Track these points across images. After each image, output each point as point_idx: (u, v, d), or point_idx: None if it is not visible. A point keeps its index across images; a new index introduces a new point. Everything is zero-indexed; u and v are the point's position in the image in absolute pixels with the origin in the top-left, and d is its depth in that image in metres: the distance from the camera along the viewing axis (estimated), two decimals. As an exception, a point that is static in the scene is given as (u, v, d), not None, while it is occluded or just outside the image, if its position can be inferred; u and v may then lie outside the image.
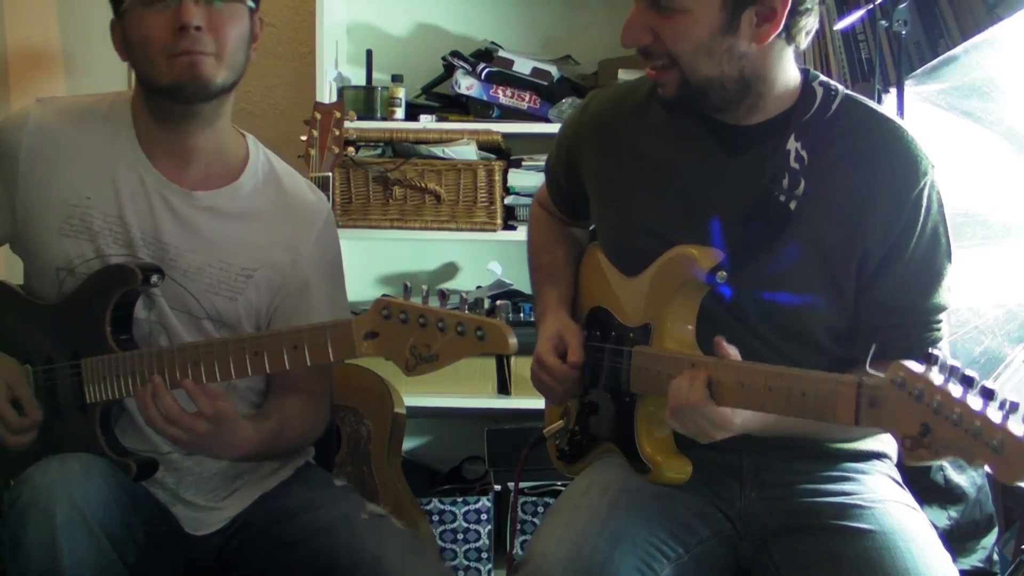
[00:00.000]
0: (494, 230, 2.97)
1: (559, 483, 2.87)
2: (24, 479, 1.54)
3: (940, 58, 2.50)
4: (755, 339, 1.61)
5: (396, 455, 2.72)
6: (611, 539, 1.53)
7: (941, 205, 1.61)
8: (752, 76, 1.58)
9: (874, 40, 2.65)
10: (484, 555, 2.93)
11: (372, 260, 3.31)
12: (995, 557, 2.49)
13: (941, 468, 2.45)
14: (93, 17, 3.13)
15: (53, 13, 3.16)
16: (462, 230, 2.99)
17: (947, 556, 1.56)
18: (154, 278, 1.68)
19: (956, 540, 2.44)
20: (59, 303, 1.74)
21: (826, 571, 1.54)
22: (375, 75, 3.13)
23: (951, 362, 1.24)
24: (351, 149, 2.78)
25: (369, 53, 3.14)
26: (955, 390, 1.22)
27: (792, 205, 1.59)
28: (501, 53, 3.04)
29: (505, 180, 2.98)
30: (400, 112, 3.02)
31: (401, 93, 3.02)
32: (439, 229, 2.99)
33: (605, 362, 1.71)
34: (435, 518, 2.91)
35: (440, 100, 3.14)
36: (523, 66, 3.01)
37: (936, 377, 1.24)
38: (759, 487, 1.67)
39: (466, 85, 3.00)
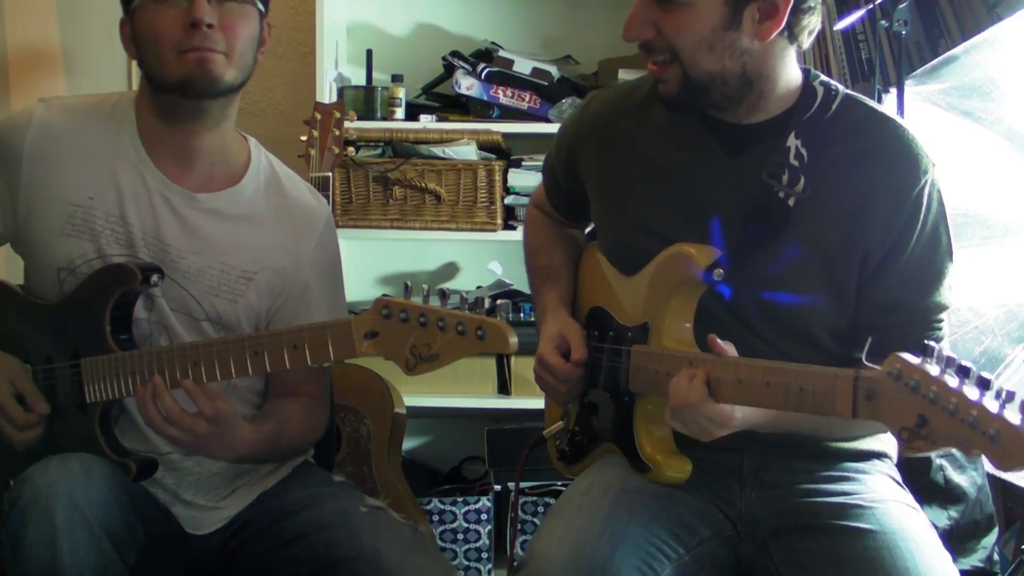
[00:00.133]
0: (494, 230, 2.97)
1: (559, 483, 2.87)
2: (24, 479, 1.54)
3: (940, 58, 2.50)
4: (756, 338, 1.61)
5: (396, 455, 2.72)
6: (612, 539, 1.53)
7: (942, 204, 1.61)
8: (754, 73, 1.58)
9: (874, 40, 2.66)
10: (484, 555, 2.93)
11: (372, 260, 3.31)
12: (995, 557, 2.49)
13: (941, 468, 2.45)
14: (93, 17, 3.14)
15: (53, 13, 3.15)
16: (462, 230, 2.99)
17: (947, 556, 1.56)
18: (154, 278, 1.68)
19: (956, 540, 2.44)
20: (59, 303, 1.74)
21: (826, 571, 1.54)
22: (375, 75, 3.13)
23: (947, 353, 1.25)
24: (351, 149, 2.77)
25: (369, 53, 3.14)
26: (951, 380, 1.22)
27: (791, 202, 1.59)
28: (501, 53, 3.05)
29: (505, 180, 2.98)
30: (400, 112, 3.02)
31: (401, 93, 3.02)
32: (439, 229, 2.99)
33: (604, 362, 1.71)
34: (435, 518, 2.91)
35: (440, 100, 3.14)
36: (523, 66, 3.01)
37: (932, 368, 1.24)
38: (759, 487, 1.67)
39: (466, 85, 3.00)
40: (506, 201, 2.97)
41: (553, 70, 3.02)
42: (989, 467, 2.43)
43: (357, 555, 1.65)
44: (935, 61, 2.51)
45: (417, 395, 2.93)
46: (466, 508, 2.93)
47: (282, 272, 1.80)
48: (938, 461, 2.44)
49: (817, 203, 1.60)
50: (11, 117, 1.80)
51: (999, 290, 2.42)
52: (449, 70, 3.07)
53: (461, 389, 3.02)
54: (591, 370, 1.73)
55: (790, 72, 1.62)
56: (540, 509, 2.91)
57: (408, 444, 3.16)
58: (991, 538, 2.49)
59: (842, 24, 2.66)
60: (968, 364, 1.23)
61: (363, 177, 2.98)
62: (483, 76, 2.99)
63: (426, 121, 3.01)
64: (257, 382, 1.84)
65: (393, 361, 1.52)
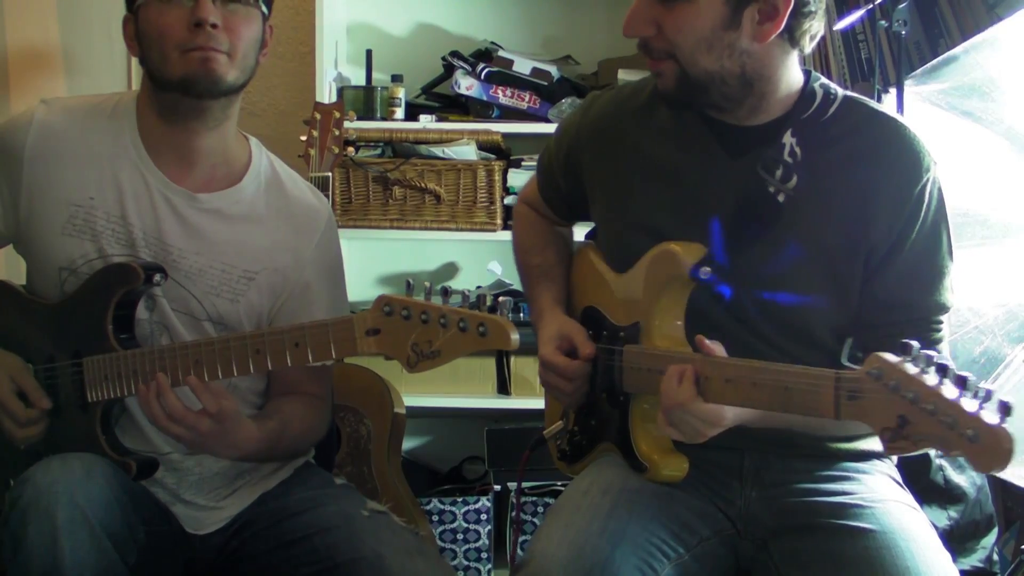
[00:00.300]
0: (494, 230, 2.97)
1: (559, 483, 2.87)
2: (25, 479, 1.53)
3: (940, 58, 2.50)
4: (758, 340, 1.61)
5: (396, 455, 2.72)
6: (612, 539, 1.53)
7: (942, 202, 1.61)
8: (754, 75, 1.58)
9: (874, 40, 2.65)
10: (484, 555, 2.93)
11: (372, 260, 3.31)
12: (995, 557, 2.50)
13: (941, 468, 2.46)
14: (93, 17, 3.14)
15: (53, 13, 3.16)
16: (462, 230, 2.99)
17: (947, 556, 1.56)
18: (156, 277, 1.69)
19: (956, 540, 2.44)
20: (61, 302, 1.74)
21: (826, 570, 1.54)
22: (375, 75, 3.13)
23: (927, 352, 1.25)
24: (351, 149, 2.78)
25: (369, 53, 3.15)
26: (930, 380, 1.22)
27: (781, 198, 1.59)
28: (501, 53, 3.05)
29: (505, 180, 2.98)
30: (400, 112, 3.02)
31: (401, 93, 3.02)
32: (439, 229, 2.99)
33: (599, 362, 1.71)
34: (435, 518, 2.91)
35: (440, 100, 3.14)
36: (523, 66, 3.01)
37: (912, 368, 1.24)
38: (759, 487, 1.67)
39: (466, 85, 3.00)
40: (506, 201, 2.97)
41: (553, 70, 3.02)
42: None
43: (359, 558, 1.65)
44: (935, 61, 2.51)
45: (417, 395, 2.93)
46: (466, 508, 2.93)
47: (283, 271, 1.80)
48: (938, 461, 2.45)
49: (813, 202, 1.60)
50: (13, 118, 1.80)
51: (999, 290, 2.42)
52: (449, 70, 3.08)
53: (461, 389, 3.02)
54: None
55: (791, 74, 1.62)
56: (540, 509, 2.92)
57: (408, 444, 3.16)
58: (991, 538, 2.49)
59: (842, 24, 2.66)
60: (947, 362, 1.23)
61: (363, 177, 2.98)
62: (483, 76, 3.00)
63: (426, 121, 3.01)
64: (258, 382, 1.84)
65: (395, 358, 1.52)
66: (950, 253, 1.61)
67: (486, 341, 1.46)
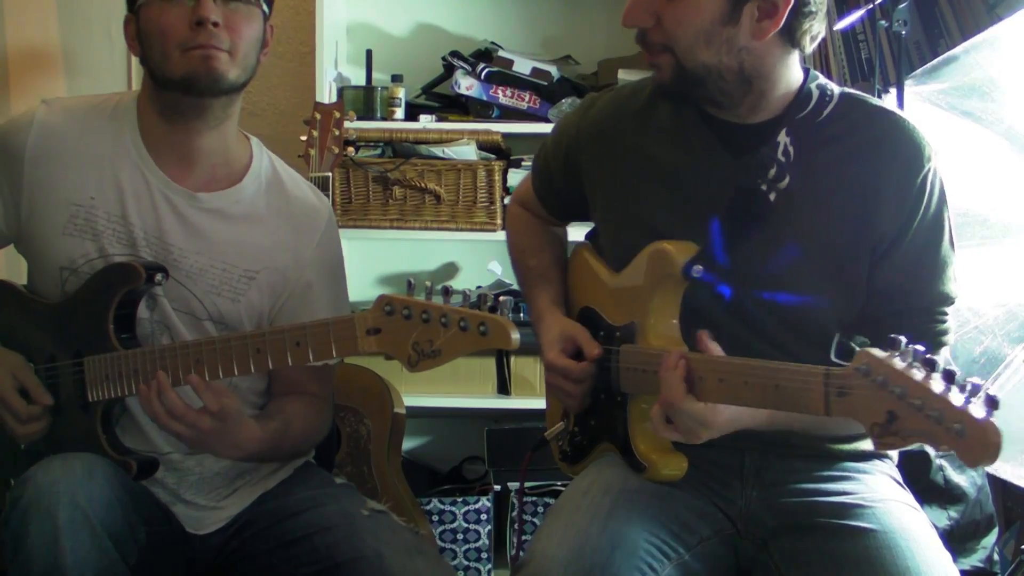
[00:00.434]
0: (494, 230, 2.97)
1: (559, 483, 2.87)
2: (26, 479, 1.54)
3: (940, 58, 2.50)
4: (760, 340, 1.61)
5: (396, 455, 2.72)
6: (612, 539, 1.53)
7: (944, 192, 1.61)
8: (752, 72, 1.58)
9: (874, 40, 2.66)
10: (484, 555, 2.93)
11: (372, 260, 3.31)
12: (995, 557, 2.50)
13: (941, 468, 2.46)
14: (93, 17, 3.14)
15: (53, 13, 3.16)
16: (462, 230, 2.99)
17: (948, 555, 1.56)
18: (158, 277, 1.69)
19: (956, 540, 2.44)
20: (62, 302, 1.74)
21: (827, 570, 1.54)
22: (375, 75, 3.13)
23: (914, 346, 1.24)
24: (351, 149, 2.78)
25: (369, 53, 3.14)
26: (918, 374, 1.21)
27: (772, 196, 1.59)
28: (501, 53, 3.05)
29: (505, 180, 2.98)
30: (400, 112, 3.02)
31: (401, 93, 3.02)
32: (439, 229, 2.99)
33: (597, 362, 1.71)
34: (435, 518, 2.91)
35: (440, 100, 3.14)
36: (523, 66, 3.01)
37: (899, 363, 1.24)
38: (760, 486, 1.67)
39: (466, 85, 3.00)
40: (506, 201, 2.97)
41: (553, 70, 3.02)
42: (989, 467, 2.43)
43: (359, 558, 1.65)
44: (935, 61, 2.51)
45: (417, 395, 2.93)
46: (466, 508, 2.93)
47: (284, 271, 1.80)
48: (938, 462, 2.45)
49: (811, 201, 1.60)
50: (14, 119, 1.81)
51: (999, 290, 2.42)
52: (449, 70, 3.07)
53: (461, 389, 3.02)
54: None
55: (791, 73, 1.63)
56: (540, 509, 2.91)
57: (408, 444, 3.16)
58: (991, 538, 2.49)
59: (842, 24, 2.66)
60: (935, 357, 1.22)
61: (363, 177, 2.98)
62: (483, 76, 3.00)
63: (426, 121, 3.01)
64: (259, 382, 1.84)
65: (396, 357, 1.52)
66: (952, 244, 1.62)
67: (487, 340, 1.46)
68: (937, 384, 1.20)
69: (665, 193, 1.68)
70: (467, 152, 2.94)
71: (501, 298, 1.52)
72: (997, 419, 1.16)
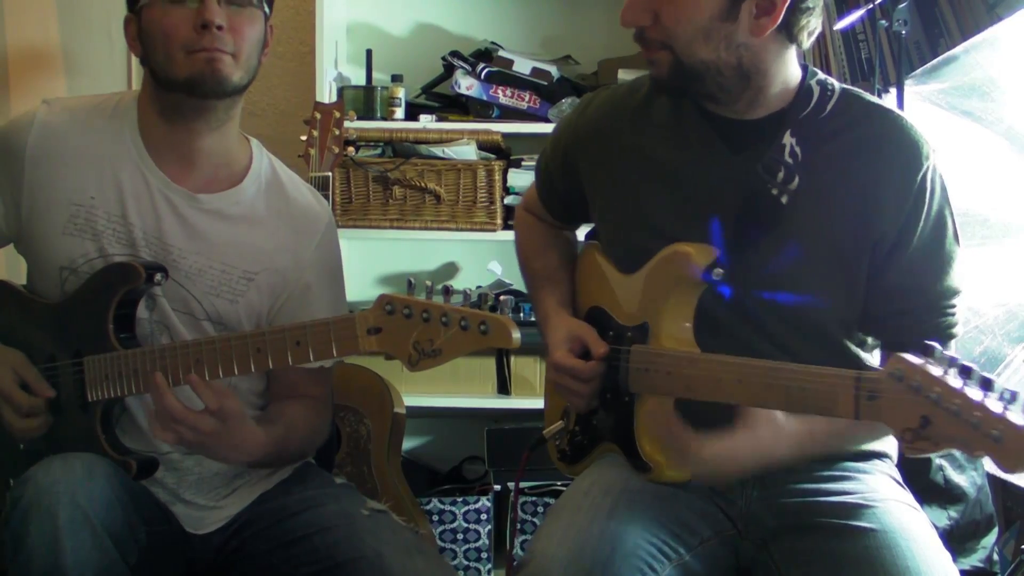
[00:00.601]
0: (494, 230, 2.97)
1: (559, 483, 2.87)
2: (26, 479, 1.54)
3: (940, 58, 2.50)
4: (762, 339, 1.61)
5: (396, 455, 2.72)
6: (612, 539, 1.53)
7: (945, 189, 1.61)
8: (751, 68, 1.58)
9: (874, 40, 2.66)
10: (484, 555, 2.93)
11: (372, 260, 3.31)
12: (995, 557, 2.50)
13: (941, 468, 2.46)
14: (93, 17, 3.14)
15: (53, 13, 3.16)
16: (462, 230, 2.99)
17: (947, 555, 1.56)
18: (157, 276, 1.69)
19: (956, 540, 2.44)
20: (62, 301, 1.74)
21: (827, 570, 1.54)
22: (375, 75, 3.13)
23: (949, 353, 1.25)
24: (351, 149, 2.77)
25: (369, 53, 3.14)
26: (954, 381, 1.22)
27: (784, 199, 1.59)
28: (501, 53, 3.05)
29: (505, 180, 2.98)
30: (400, 112, 3.02)
31: (401, 93, 3.02)
32: (439, 229, 2.99)
33: (605, 361, 1.71)
34: (435, 518, 2.91)
35: (440, 100, 3.14)
36: (523, 66, 3.01)
37: (935, 369, 1.24)
38: (760, 486, 1.67)
39: (466, 85, 3.00)
40: (506, 201, 2.97)
41: (553, 70, 3.02)
42: (989, 467, 2.43)
43: (359, 557, 1.65)
44: (935, 61, 2.52)
45: (417, 395, 2.93)
46: (466, 508, 2.93)
47: (283, 273, 1.80)
48: (938, 461, 2.45)
49: (815, 200, 1.60)
50: (14, 118, 1.81)
51: (999, 290, 2.42)
52: (449, 70, 3.07)
53: (461, 389, 3.02)
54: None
55: (789, 69, 1.63)
56: (540, 509, 2.92)
57: (408, 444, 3.16)
58: (991, 538, 2.49)
59: (842, 24, 2.66)
60: (970, 364, 1.23)
61: (363, 177, 2.98)
62: (483, 76, 3.00)
63: (426, 121, 3.01)
64: (258, 383, 1.84)
65: (396, 357, 1.52)
66: (956, 239, 1.62)
67: (487, 339, 1.46)
68: (974, 391, 1.20)
69: (665, 191, 1.68)
70: (467, 152, 2.95)
71: (501, 297, 1.52)
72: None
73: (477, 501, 2.93)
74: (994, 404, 1.18)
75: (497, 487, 2.99)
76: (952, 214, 1.61)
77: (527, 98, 3.00)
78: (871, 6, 2.53)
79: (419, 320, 1.49)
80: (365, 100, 3.03)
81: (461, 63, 3.03)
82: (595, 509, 1.59)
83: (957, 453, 2.34)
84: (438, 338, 1.48)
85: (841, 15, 2.67)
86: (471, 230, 2.98)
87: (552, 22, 3.25)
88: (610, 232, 1.78)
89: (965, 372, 1.22)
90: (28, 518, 1.49)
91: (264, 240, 1.80)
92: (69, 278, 1.74)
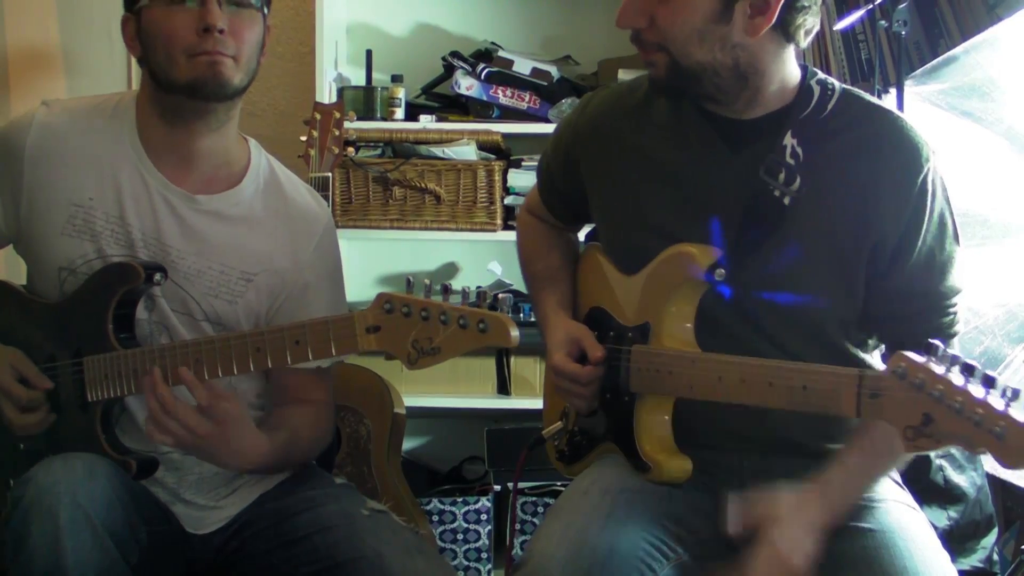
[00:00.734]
0: (494, 230, 2.97)
1: (559, 483, 2.87)
2: (27, 479, 1.54)
3: (940, 58, 2.50)
4: (762, 339, 1.61)
5: (396, 455, 2.72)
6: (611, 539, 1.53)
7: (945, 189, 1.61)
8: (748, 68, 1.58)
9: (874, 40, 2.66)
10: (484, 555, 2.93)
11: (372, 260, 3.31)
12: (995, 557, 2.49)
13: (941, 468, 2.45)
14: (93, 17, 3.14)
15: (53, 13, 3.16)
16: (462, 230, 2.99)
17: (946, 555, 1.56)
18: (157, 276, 1.69)
19: (956, 540, 2.44)
20: (62, 302, 1.74)
21: (826, 569, 1.53)
22: (375, 75, 3.13)
23: (952, 351, 1.26)
24: (351, 149, 2.78)
25: (369, 53, 3.15)
26: (956, 379, 1.23)
27: (787, 201, 1.59)
28: (501, 53, 3.05)
29: (505, 180, 2.98)
30: (400, 112, 3.02)
31: (401, 93, 3.02)
32: (439, 229, 2.99)
33: (605, 362, 1.71)
34: (435, 518, 2.91)
35: (440, 100, 3.14)
36: (523, 66, 3.01)
37: (937, 367, 1.25)
38: (760, 487, 1.66)
39: (466, 85, 3.00)
40: (506, 201, 2.98)
41: (553, 70, 3.02)
42: (989, 467, 2.43)
43: (359, 557, 1.65)
44: (935, 61, 2.52)
45: (417, 395, 2.93)
46: (466, 508, 2.93)
47: (282, 274, 1.80)
48: (938, 462, 2.44)
49: (816, 200, 1.60)
50: (13, 120, 1.81)
51: (999, 290, 2.42)
52: (449, 70, 3.08)
53: (461, 389, 3.02)
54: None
55: (787, 69, 1.63)
56: (540, 509, 2.91)
57: (408, 444, 3.16)
58: (991, 538, 2.49)
59: (842, 24, 2.66)
60: (972, 362, 1.23)
61: (363, 177, 2.98)
62: (483, 76, 3.00)
63: (426, 121, 3.01)
64: (257, 384, 1.84)
65: (395, 355, 1.52)
66: (956, 238, 1.62)
67: (486, 338, 1.46)
68: (977, 388, 1.21)
69: (664, 190, 1.68)
70: (467, 152, 2.95)
71: (501, 295, 1.52)
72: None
73: (477, 501, 2.93)
74: (996, 401, 1.19)
75: (497, 487, 2.99)
76: (952, 214, 1.62)
77: (527, 98, 3.01)
78: (871, 6, 2.53)
79: (418, 318, 1.49)
80: (365, 100, 3.03)
81: (461, 63, 3.03)
82: (594, 509, 1.59)
83: (957, 453, 2.35)
84: (437, 336, 1.48)
85: (841, 15, 2.67)
86: (471, 230, 2.99)
87: (552, 22, 3.26)
88: (610, 232, 1.78)
89: (967, 370, 1.23)
90: (29, 518, 1.49)
91: (262, 241, 1.79)
92: (68, 279, 1.74)
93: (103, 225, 1.73)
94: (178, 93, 1.69)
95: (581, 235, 1.98)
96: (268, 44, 1.77)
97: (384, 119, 3.01)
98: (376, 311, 1.52)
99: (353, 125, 2.83)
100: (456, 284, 1.54)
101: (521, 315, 2.90)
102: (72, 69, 3.18)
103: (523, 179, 2.96)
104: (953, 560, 1.56)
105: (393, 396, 2.70)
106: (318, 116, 2.63)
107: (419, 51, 3.23)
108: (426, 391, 2.97)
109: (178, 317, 1.75)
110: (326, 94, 2.93)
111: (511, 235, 2.91)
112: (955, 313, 1.62)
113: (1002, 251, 2.42)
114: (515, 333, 1.45)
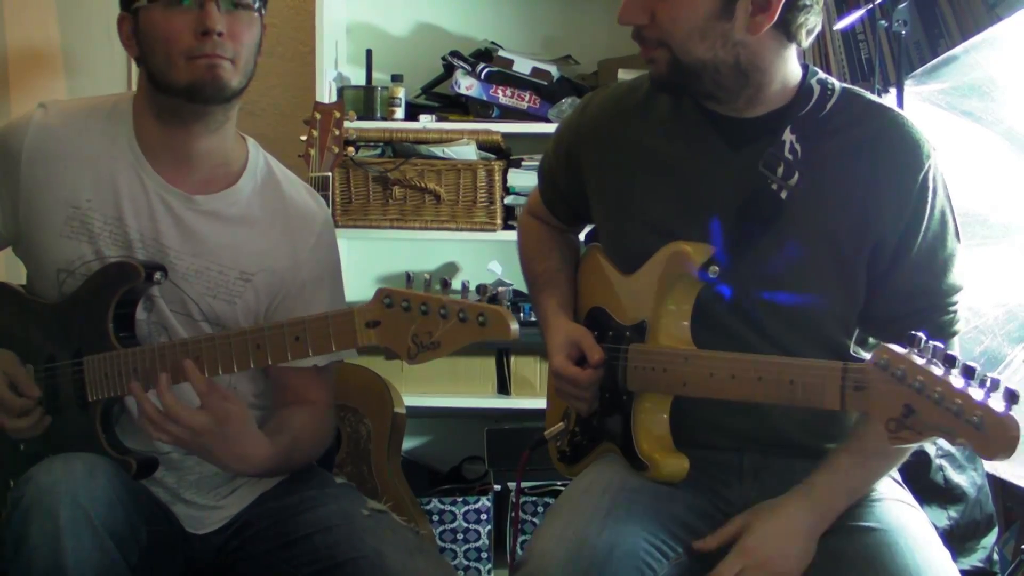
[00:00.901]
0: (494, 230, 2.97)
1: (559, 483, 2.87)
2: (27, 479, 1.54)
3: (940, 58, 2.50)
4: (759, 337, 1.61)
5: (396, 455, 2.72)
6: (610, 538, 1.53)
7: (945, 187, 1.62)
8: (749, 66, 1.58)
9: (874, 40, 2.66)
10: (484, 555, 2.93)
11: (372, 260, 3.31)
12: (995, 557, 2.49)
13: (941, 468, 2.45)
14: (93, 17, 3.14)
15: (53, 13, 3.16)
16: (462, 230, 2.99)
17: (947, 554, 1.56)
18: (157, 275, 1.69)
19: (956, 540, 2.44)
20: (62, 302, 1.74)
21: (826, 568, 1.54)
22: (375, 75, 3.13)
23: (933, 343, 1.26)
24: (351, 149, 2.78)
25: (369, 53, 3.15)
26: (937, 369, 1.24)
27: (784, 195, 1.60)
28: (501, 53, 3.05)
29: (505, 180, 2.98)
30: (400, 112, 3.02)
31: (401, 93, 3.02)
32: (439, 229, 2.99)
33: (603, 363, 1.71)
34: (435, 518, 2.91)
35: (440, 100, 3.14)
36: (523, 66, 3.01)
37: (918, 358, 1.26)
38: (759, 487, 1.67)
39: (466, 85, 3.00)
40: (506, 201, 2.98)
41: (553, 70, 3.02)
42: (989, 467, 2.43)
43: (359, 557, 1.65)
44: (935, 61, 2.51)
45: (417, 395, 2.93)
46: (466, 508, 2.93)
47: (280, 273, 1.80)
48: (938, 461, 2.44)
49: (815, 198, 1.60)
50: (11, 121, 1.81)
51: (999, 290, 2.42)
52: (449, 70, 3.08)
53: (461, 389, 3.02)
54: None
55: (788, 67, 1.63)
56: (540, 509, 2.92)
57: (408, 444, 3.16)
58: (991, 538, 2.49)
59: (842, 24, 2.66)
60: (953, 353, 1.25)
61: (363, 177, 2.98)
62: (483, 76, 3.00)
63: (426, 121, 3.01)
64: (256, 384, 1.84)
65: (395, 350, 1.51)
66: (957, 236, 1.62)
67: (486, 331, 1.46)
68: (957, 379, 1.22)
69: (665, 189, 1.68)
70: (467, 152, 2.95)
71: (500, 288, 1.52)
72: (1017, 413, 1.18)
73: (477, 501, 2.93)
74: (976, 392, 1.20)
75: (497, 487, 2.99)
76: (952, 212, 1.62)
77: (527, 98, 3.01)
78: (871, 6, 2.53)
79: (417, 313, 1.49)
80: (365, 100, 3.03)
81: (461, 63, 3.03)
82: (594, 508, 1.59)
83: (957, 453, 2.35)
84: (436, 330, 1.48)
85: (841, 15, 2.67)
86: (471, 230, 2.98)
87: (552, 22, 3.26)
88: (611, 231, 1.78)
89: (949, 361, 1.24)
90: (29, 518, 1.49)
91: (260, 241, 1.79)
92: (66, 280, 1.74)
93: (101, 226, 1.73)
94: (176, 95, 1.68)
95: (581, 236, 1.98)
96: (265, 44, 1.77)
97: (384, 119, 3.01)
98: (376, 306, 1.52)
99: (353, 125, 2.83)
100: (456, 284, 1.54)
101: (521, 315, 2.90)
102: (72, 69, 3.18)
103: (523, 179, 2.96)
104: (953, 560, 1.56)
105: (393, 396, 2.70)
106: (318, 116, 2.63)
107: (419, 51, 3.23)
108: (426, 391, 2.97)
109: (177, 317, 1.75)
110: (326, 94, 2.93)
111: (511, 235, 2.93)
112: (956, 312, 1.62)
113: (1002, 251, 2.42)
114: (515, 326, 1.45)
